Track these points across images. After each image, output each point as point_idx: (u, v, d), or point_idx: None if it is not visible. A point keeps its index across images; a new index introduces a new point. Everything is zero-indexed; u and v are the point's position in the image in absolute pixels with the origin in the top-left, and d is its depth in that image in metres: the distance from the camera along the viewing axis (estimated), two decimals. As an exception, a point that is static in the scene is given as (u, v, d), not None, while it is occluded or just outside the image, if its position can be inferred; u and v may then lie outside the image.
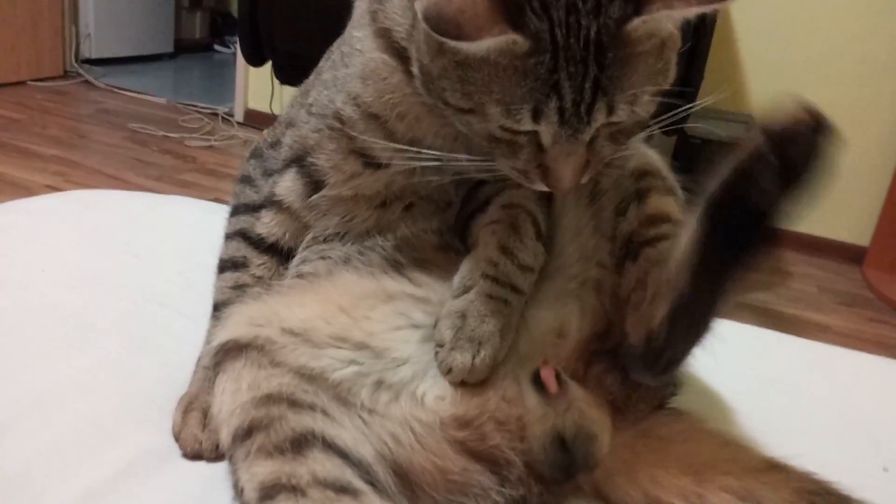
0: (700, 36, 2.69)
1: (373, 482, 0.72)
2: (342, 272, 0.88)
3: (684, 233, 0.73)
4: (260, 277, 0.95)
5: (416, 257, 0.88)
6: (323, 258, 0.90)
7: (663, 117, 0.74)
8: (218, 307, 0.94)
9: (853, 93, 3.58)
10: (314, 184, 0.90)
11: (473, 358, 0.77)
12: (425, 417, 0.78)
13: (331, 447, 0.72)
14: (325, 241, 0.92)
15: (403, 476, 0.76)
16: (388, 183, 0.88)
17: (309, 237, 0.93)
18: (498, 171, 0.76)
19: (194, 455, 0.84)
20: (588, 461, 0.77)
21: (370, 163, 0.87)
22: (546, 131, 0.67)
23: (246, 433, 0.73)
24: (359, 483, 0.70)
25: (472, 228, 0.88)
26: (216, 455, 0.83)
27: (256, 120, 4.59)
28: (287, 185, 0.93)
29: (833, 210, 3.78)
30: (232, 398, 0.76)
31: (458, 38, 0.63)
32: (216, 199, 1.64)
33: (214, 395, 0.79)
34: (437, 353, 0.79)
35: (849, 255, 3.76)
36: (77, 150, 3.96)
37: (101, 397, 0.91)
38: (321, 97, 0.89)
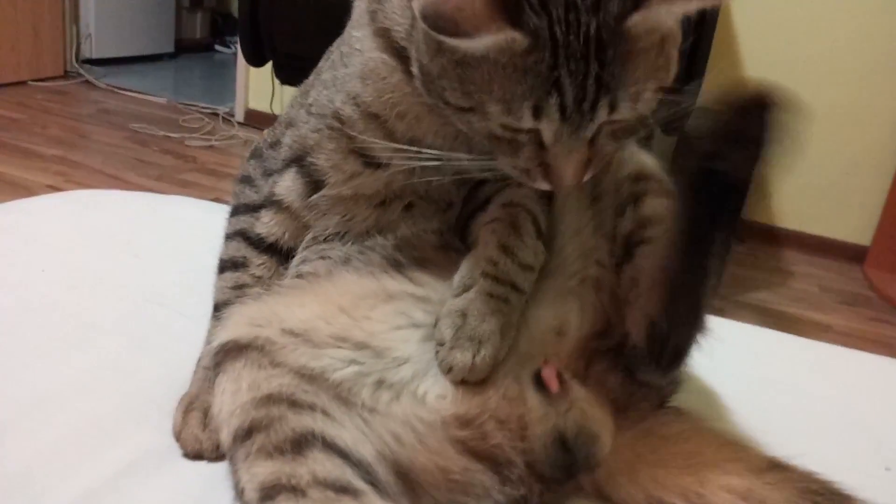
0: (701, 35, 2.68)
1: (373, 482, 0.72)
2: (342, 272, 0.88)
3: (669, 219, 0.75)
4: (260, 277, 0.95)
5: (417, 257, 0.88)
6: (323, 258, 0.90)
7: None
8: (218, 307, 0.94)
9: (854, 92, 3.58)
10: (314, 183, 0.90)
11: (474, 357, 0.77)
12: (427, 416, 0.78)
13: (331, 447, 0.72)
14: (325, 240, 0.92)
15: (404, 476, 0.76)
16: (388, 182, 0.88)
17: (309, 237, 0.93)
18: (499, 170, 0.76)
19: (195, 455, 0.84)
20: (589, 461, 0.77)
21: (370, 162, 0.87)
22: (547, 129, 0.67)
23: (246, 433, 0.73)
24: (359, 483, 0.70)
25: (473, 227, 0.88)
26: (217, 455, 0.83)
27: (257, 120, 4.59)
28: (287, 185, 0.92)
29: (834, 209, 3.79)
30: (232, 398, 0.76)
31: (455, 35, 0.63)
32: (216, 199, 1.64)
33: (214, 395, 0.78)
34: (437, 352, 0.79)
35: (850, 254, 3.76)
36: (78, 150, 3.96)
37: (101, 397, 0.91)
38: (321, 97, 0.89)
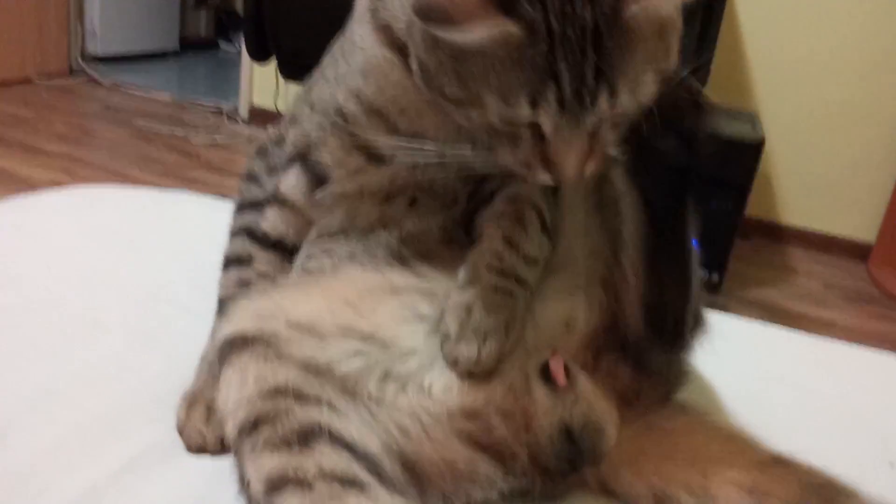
0: (706, 33, 2.68)
1: (379, 474, 0.72)
2: (347, 267, 0.88)
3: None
4: (264, 274, 0.95)
5: (421, 251, 0.88)
6: (328, 254, 0.90)
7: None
8: (222, 303, 0.94)
9: (858, 89, 3.57)
10: (318, 180, 0.90)
11: (479, 350, 0.77)
12: (433, 408, 0.78)
13: (337, 440, 0.72)
14: (329, 236, 0.92)
15: (410, 468, 0.76)
16: (392, 178, 0.88)
17: (314, 233, 0.93)
18: (501, 164, 0.75)
19: (198, 449, 0.85)
20: (595, 454, 0.77)
21: (374, 158, 0.87)
22: (546, 120, 0.66)
23: (252, 426, 0.73)
24: (365, 476, 0.70)
25: (477, 221, 0.88)
26: (220, 449, 0.84)
27: (261, 117, 4.59)
28: (291, 182, 0.93)
29: (838, 207, 3.78)
30: (238, 391, 0.76)
31: (447, 25, 0.63)
32: (221, 196, 1.64)
33: (220, 388, 0.79)
34: (443, 345, 0.79)
35: (854, 251, 3.75)
36: (82, 146, 3.97)
37: (105, 393, 0.91)
38: (323, 93, 0.89)
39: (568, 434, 0.76)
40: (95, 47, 5.41)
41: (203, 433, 0.85)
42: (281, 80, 3.61)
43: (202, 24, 6.77)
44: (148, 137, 4.20)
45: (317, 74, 0.95)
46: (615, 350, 0.84)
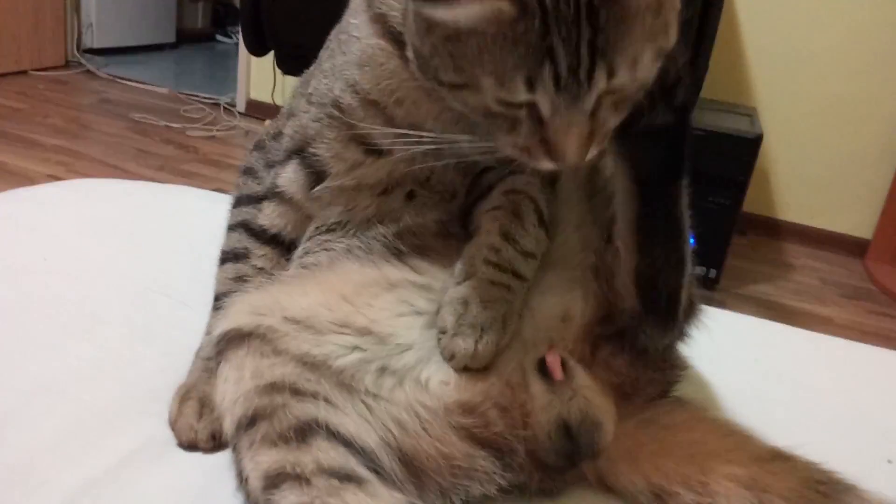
0: (705, 27, 2.68)
1: (377, 469, 0.72)
2: (344, 261, 0.88)
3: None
4: (261, 269, 0.94)
5: (417, 245, 0.88)
6: (326, 249, 0.90)
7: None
8: (219, 298, 0.94)
9: (857, 85, 3.57)
10: (315, 174, 0.90)
11: (476, 344, 0.77)
12: (430, 402, 0.78)
13: (335, 435, 0.72)
14: (327, 231, 0.91)
15: (408, 462, 0.76)
16: (389, 171, 0.87)
17: (311, 228, 0.93)
18: (499, 153, 0.73)
19: (189, 445, 0.84)
20: (592, 449, 0.77)
21: (371, 150, 0.86)
22: (543, 100, 0.64)
23: (250, 422, 0.73)
24: (363, 471, 0.70)
25: (475, 215, 0.87)
26: (212, 445, 0.83)
27: (258, 110, 4.58)
28: (289, 177, 0.92)
29: (836, 203, 3.79)
30: (235, 387, 0.76)
31: (439, 3, 0.62)
32: (218, 190, 1.64)
33: (217, 383, 0.78)
34: (439, 339, 0.79)
35: (851, 247, 3.76)
36: (79, 139, 3.96)
37: (102, 387, 0.91)
38: (320, 86, 0.89)
39: (565, 429, 0.76)
40: (92, 40, 5.39)
41: (195, 428, 0.84)
42: (278, 73, 3.62)
43: (199, 16, 6.75)
44: (145, 130, 4.20)
45: (314, 67, 0.95)
46: (612, 341, 0.84)
